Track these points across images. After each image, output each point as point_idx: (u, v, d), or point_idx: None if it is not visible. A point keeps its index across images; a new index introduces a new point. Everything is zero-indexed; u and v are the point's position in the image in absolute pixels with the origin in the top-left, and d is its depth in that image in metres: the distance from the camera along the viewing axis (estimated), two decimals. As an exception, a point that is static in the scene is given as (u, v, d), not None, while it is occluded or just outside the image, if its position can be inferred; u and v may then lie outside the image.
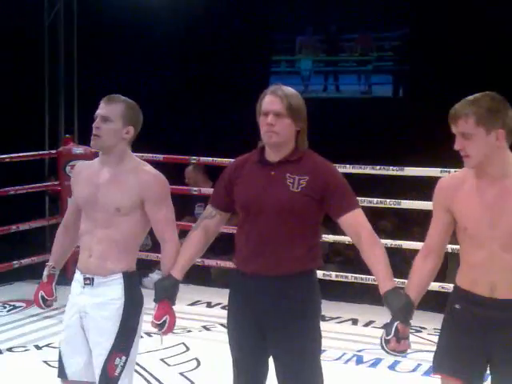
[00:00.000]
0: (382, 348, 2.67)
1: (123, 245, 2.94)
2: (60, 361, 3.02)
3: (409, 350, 2.89)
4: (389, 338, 2.62)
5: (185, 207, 6.59)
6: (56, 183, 6.50)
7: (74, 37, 7.84)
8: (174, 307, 2.89)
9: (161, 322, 2.83)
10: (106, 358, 2.88)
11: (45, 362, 4.48)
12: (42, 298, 3.10)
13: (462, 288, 2.67)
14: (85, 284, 2.94)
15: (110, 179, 2.94)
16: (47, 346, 4.79)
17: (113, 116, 2.91)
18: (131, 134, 2.96)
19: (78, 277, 2.99)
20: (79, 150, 6.33)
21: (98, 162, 3.03)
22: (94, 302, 2.91)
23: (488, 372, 2.69)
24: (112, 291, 2.92)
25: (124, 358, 2.90)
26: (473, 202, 2.59)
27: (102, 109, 2.94)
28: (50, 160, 7.16)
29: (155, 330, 2.89)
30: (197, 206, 6.68)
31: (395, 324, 2.61)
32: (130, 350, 2.93)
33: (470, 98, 2.58)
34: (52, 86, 7.79)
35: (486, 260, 2.57)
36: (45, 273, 3.13)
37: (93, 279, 2.93)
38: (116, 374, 2.89)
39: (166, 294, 2.85)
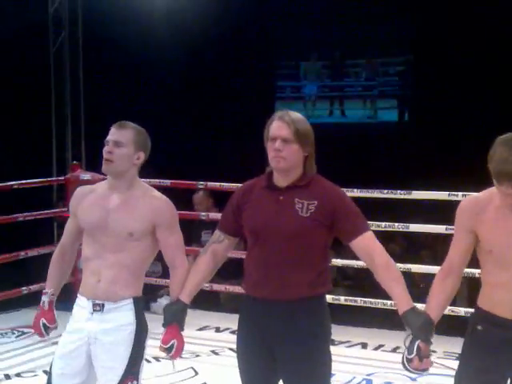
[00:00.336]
0: (404, 367, 2.69)
1: (133, 269, 2.97)
2: (49, 380, 2.99)
3: (418, 374, 2.90)
4: (411, 357, 2.65)
5: (191, 234, 6.59)
6: (64, 209, 6.52)
7: (79, 63, 7.93)
8: (182, 332, 2.90)
9: (168, 345, 2.85)
10: None
11: (54, 387, 4.47)
12: (44, 325, 3.09)
13: (483, 309, 2.69)
14: (94, 310, 2.93)
15: (121, 204, 2.97)
16: (56, 371, 4.78)
17: (125, 141, 2.95)
18: (141, 159, 3.01)
19: (82, 303, 2.98)
20: (87, 176, 6.35)
21: (104, 186, 3.06)
22: (105, 328, 2.92)
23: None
24: (123, 317, 2.94)
25: (135, 382, 2.93)
26: (499, 225, 2.60)
27: (114, 134, 2.97)
28: (58, 186, 7.20)
29: (164, 354, 2.90)
30: (203, 232, 6.68)
31: (417, 343, 2.64)
32: (139, 374, 2.95)
33: None
34: (59, 112, 7.87)
35: (509, 282, 2.59)
36: (45, 299, 3.11)
37: (103, 305, 2.93)
38: None
39: (175, 319, 2.87)
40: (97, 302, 2.93)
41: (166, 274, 3.54)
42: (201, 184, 6.07)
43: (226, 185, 5.83)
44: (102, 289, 2.93)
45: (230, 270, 5.59)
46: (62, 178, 6.65)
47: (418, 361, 2.64)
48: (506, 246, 2.58)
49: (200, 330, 5.77)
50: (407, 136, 9.71)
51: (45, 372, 4.70)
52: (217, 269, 2.98)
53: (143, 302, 3.05)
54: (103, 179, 6.92)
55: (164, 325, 2.88)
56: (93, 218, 2.99)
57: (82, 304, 2.98)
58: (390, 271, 2.74)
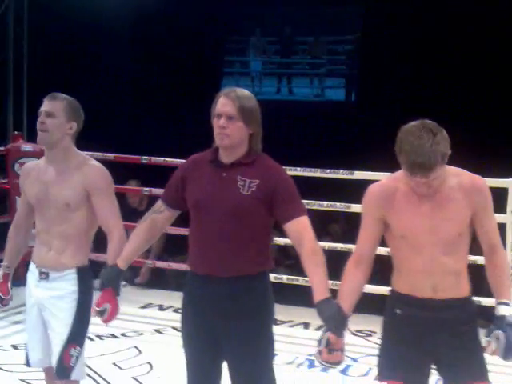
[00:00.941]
0: (317, 360, 2.64)
1: (77, 239, 3.09)
2: (26, 349, 3.23)
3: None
4: (320, 348, 2.59)
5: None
6: (4, 181, 6.39)
7: (23, 33, 7.72)
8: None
9: (101, 309, 2.87)
10: (62, 349, 3.05)
11: (-6, 364, 4.46)
12: None
13: (401, 293, 2.70)
14: (40, 278, 3.09)
15: (58, 176, 3.07)
16: (-4, 348, 4.76)
17: (56, 111, 3.07)
18: (74, 129, 3.11)
19: (33, 269, 3.15)
20: (28, 147, 6.26)
21: (44, 160, 3.16)
22: (50, 295, 3.06)
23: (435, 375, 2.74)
24: (67, 285, 3.07)
25: (78, 348, 3.08)
26: (410, 211, 2.62)
27: (46, 105, 3.09)
28: (-1, 156, 7.04)
29: (98, 317, 2.92)
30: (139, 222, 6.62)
31: (326, 334, 2.59)
32: (83, 341, 3.11)
33: (422, 143, 2.49)
34: (0, 82, 7.66)
35: (426, 265, 2.62)
36: (0, 272, 3.26)
37: (48, 274, 3.07)
38: (71, 363, 3.06)
39: (110, 283, 2.91)
40: (43, 270, 3.09)
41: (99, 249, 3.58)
42: (145, 158, 6.00)
43: (170, 160, 5.80)
44: (50, 258, 3.08)
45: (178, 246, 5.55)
46: (3, 148, 6.50)
47: (327, 353, 2.58)
48: (418, 231, 2.61)
49: (143, 307, 5.72)
50: (353, 116, 9.78)
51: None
52: (156, 238, 3.01)
53: (89, 272, 3.15)
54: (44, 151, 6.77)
55: (99, 288, 2.92)
56: (34, 192, 3.11)
57: (32, 269, 3.16)
58: (314, 258, 2.73)
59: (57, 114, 3.06)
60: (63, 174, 3.07)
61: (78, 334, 3.07)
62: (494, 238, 2.70)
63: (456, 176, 2.64)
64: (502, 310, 2.57)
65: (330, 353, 2.58)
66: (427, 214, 2.60)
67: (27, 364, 3.24)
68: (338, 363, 2.64)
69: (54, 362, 3.09)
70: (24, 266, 5.98)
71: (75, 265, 3.08)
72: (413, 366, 2.67)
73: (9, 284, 3.25)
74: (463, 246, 2.67)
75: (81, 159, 3.12)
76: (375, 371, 4.45)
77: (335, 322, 2.62)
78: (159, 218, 2.93)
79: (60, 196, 3.04)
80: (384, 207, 2.66)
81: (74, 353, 3.06)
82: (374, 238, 2.72)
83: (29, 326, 3.20)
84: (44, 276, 3.08)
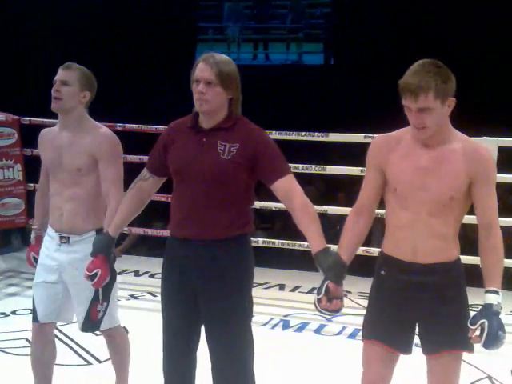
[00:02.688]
0: (316, 308, 2.67)
1: (90, 203, 3.20)
2: (33, 307, 3.31)
3: (334, 314, 2.88)
4: (319, 297, 2.63)
5: None
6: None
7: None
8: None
9: (92, 274, 2.97)
10: (89, 306, 3.22)
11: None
12: (34, 257, 3.42)
13: (386, 254, 2.70)
14: (61, 242, 3.22)
15: (70, 141, 3.19)
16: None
17: (70, 80, 3.18)
18: (87, 98, 3.24)
19: (51, 233, 3.26)
20: (1, 117, 6.16)
21: (58, 126, 3.28)
22: (72, 258, 3.19)
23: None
24: (88, 247, 3.08)
25: (105, 304, 3.25)
26: (406, 163, 2.60)
27: (61, 74, 3.20)
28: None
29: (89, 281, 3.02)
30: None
31: (326, 283, 2.62)
32: (109, 296, 3.26)
33: (420, 69, 2.50)
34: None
35: (410, 222, 2.59)
36: (32, 235, 3.46)
37: (68, 238, 3.20)
38: (99, 317, 3.26)
39: (101, 250, 2.99)
40: (63, 234, 3.21)
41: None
42: (119, 125, 5.95)
43: (144, 126, 5.77)
44: (65, 222, 3.20)
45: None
46: (-26, 118, 6.42)
47: (327, 301, 2.63)
48: (411, 183, 2.59)
49: (119, 274, 5.60)
50: (331, 79, 9.72)
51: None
52: (144, 205, 3.02)
53: None
54: (17, 120, 6.74)
55: (91, 254, 3.00)
56: (49, 157, 3.26)
57: (50, 234, 3.27)
58: (306, 213, 2.74)
59: (71, 82, 3.18)
60: (75, 141, 3.18)
61: (103, 292, 3.19)
62: (490, 216, 2.61)
63: (462, 141, 2.60)
64: (490, 299, 2.53)
65: (330, 301, 2.63)
66: (422, 169, 2.57)
67: (35, 319, 3.30)
68: (337, 311, 2.68)
69: (79, 319, 3.25)
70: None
71: (93, 228, 3.19)
72: (395, 328, 2.67)
73: (40, 245, 3.39)
74: (455, 211, 2.61)
75: (92, 126, 3.23)
76: (349, 330, 4.58)
77: (335, 271, 2.64)
78: (145, 185, 2.96)
79: (71, 161, 3.16)
80: (383, 158, 2.65)
81: (101, 308, 3.23)
82: (375, 189, 2.70)
83: (40, 284, 3.28)
84: (65, 240, 3.21)
